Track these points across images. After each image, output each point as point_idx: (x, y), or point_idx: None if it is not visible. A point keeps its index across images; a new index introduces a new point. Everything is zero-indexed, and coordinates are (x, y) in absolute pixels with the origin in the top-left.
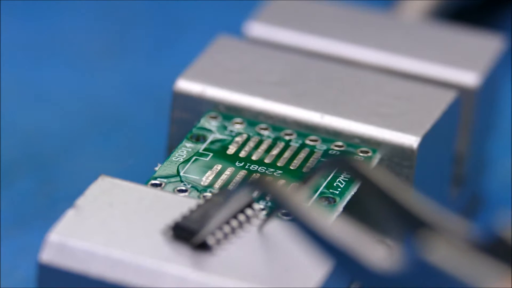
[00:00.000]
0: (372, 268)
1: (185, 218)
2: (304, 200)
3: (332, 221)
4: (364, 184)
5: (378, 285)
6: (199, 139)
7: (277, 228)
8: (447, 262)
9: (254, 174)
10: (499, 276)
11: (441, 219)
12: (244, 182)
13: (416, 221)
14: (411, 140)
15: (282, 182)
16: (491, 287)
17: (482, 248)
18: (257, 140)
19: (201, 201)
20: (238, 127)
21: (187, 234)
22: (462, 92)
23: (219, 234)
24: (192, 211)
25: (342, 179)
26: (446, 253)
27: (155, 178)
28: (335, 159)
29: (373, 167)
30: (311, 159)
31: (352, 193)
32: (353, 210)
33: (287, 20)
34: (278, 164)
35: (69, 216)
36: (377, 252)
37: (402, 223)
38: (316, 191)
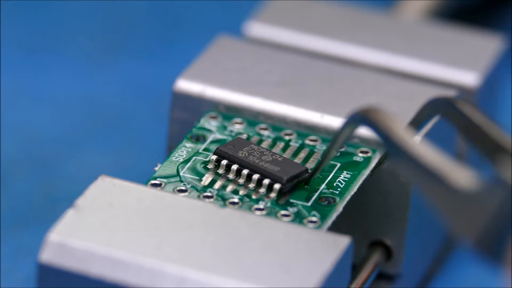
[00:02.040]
0: (456, 186)
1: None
2: (405, 131)
3: (425, 148)
4: (457, 119)
5: (459, 203)
6: (199, 139)
7: (277, 228)
8: None
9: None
10: None
11: None
12: (349, 117)
13: (495, 147)
14: None
15: (385, 113)
16: None
17: None
18: (257, 140)
19: None
20: (238, 127)
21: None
22: (462, 92)
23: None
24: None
25: (342, 179)
26: None
27: (155, 178)
28: (435, 100)
29: (467, 106)
30: (311, 159)
31: (352, 193)
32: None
33: (287, 20)
34: None
35: (69, 216)
36: (461, 174)
37: (483, 150)
38: (316, 191)
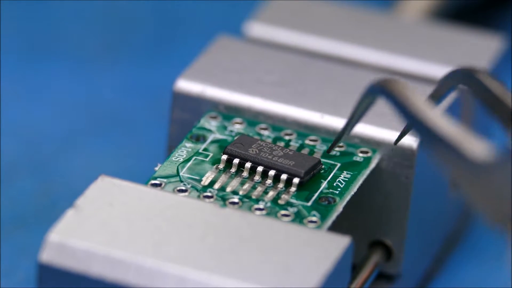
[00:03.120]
0: (472, 157)
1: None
2: (423, 101)
3: (442, 119)
4: (477, 90)
5: (476, 174)
6: (199, 139)
7: (277, 228)
8: None
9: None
10: None
11: None
12: (369, 88)
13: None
14: (411, 140)
15: (404, 84)
16: None
17: None
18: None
19: None
20: (238, 127)
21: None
22: (462, 92)
23: None
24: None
25: (342, 179)
26: None
27: (155, 178)
28: (456, 71)
29: (488, 77)
30: None
31: (352, 193)
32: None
33: (287, 20)
34: None
35: (69, 216)
36: (477, 145)
37: (502, 120)
38: (316, 191)
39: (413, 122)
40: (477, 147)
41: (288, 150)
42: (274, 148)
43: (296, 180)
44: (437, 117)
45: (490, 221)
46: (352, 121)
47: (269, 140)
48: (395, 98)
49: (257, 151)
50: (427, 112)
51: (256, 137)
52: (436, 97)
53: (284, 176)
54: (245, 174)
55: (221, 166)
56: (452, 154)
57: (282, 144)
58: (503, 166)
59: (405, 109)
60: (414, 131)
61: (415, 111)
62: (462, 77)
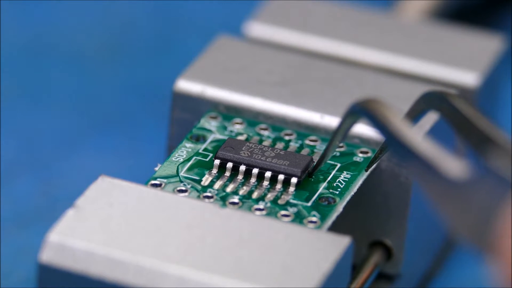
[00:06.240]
0: (448, 175)
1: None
2: (402, 121)
3: (422, 138)
4: (449, 113)
5: (451, 192)
6: (199, 139)
7: (277, 228)
8: (505, 169)
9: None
10: None
11: (504, 139)
12: (350, 108)
13: (485, 140)
14: None
15: (383, 104)
16: None
17: None
18: (257, 140)
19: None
20: (238, 127)
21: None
22: (462, 92)
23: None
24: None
25: (342, 179)
26: (505, 163)
27: (155, 178)
28: (430, 94)
29: (460, 100)
30: None
31: (352, 193)
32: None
33: (287, 20)
34: None
35: (69, 216)
36: (453, 163)
37: (473, 143)
38: (316, 191)
39: (392, 141)
40: (453, 165)
41: (279, 150)
42: (264, 149)
43: (294, 180)
44: (415, 136)
45: (467, 240)
46: (334, 141)
47: (269, 141)
48: (374, 117)
49: (249, 154)
50: (405, 131)
51: (255, 138)
52: (410, 118)
53: (281, 177)
54: (240, 177)
55: (214, 171)
56: (429, 173)
57: (282, 144)
58: (478, 184)
59: (385, 129)
60: (393, 150)
61: (394, 131)
62: (434, 100)
